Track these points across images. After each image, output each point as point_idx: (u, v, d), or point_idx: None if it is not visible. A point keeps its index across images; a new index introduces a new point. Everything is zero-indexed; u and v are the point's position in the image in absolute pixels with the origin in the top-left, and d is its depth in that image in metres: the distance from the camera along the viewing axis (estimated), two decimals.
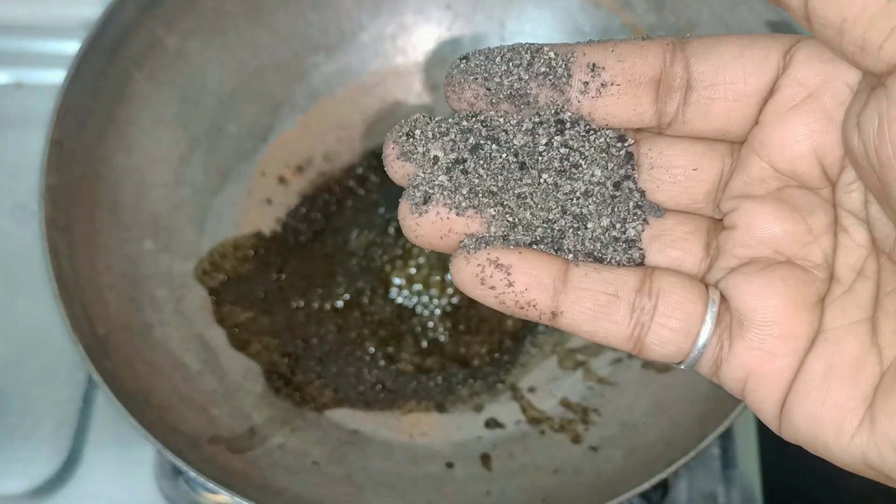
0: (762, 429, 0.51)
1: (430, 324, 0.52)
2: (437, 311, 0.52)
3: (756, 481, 0.49)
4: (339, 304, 0.52)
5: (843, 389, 0.21)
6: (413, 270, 0.52)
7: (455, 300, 0.52)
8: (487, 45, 0.56)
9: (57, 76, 0.45)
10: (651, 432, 0.46)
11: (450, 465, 0.47)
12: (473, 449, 0.48)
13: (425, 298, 0.52)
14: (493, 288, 0.23)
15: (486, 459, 0.47)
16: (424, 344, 0.51)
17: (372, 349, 0.51)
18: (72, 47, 0.46)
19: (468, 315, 0.52)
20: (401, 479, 0.46)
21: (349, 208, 0.54)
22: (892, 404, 0.20)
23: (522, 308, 0.23)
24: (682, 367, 0.24)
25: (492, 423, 0.49)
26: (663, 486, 0.49)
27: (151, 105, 0.51)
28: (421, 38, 0.57)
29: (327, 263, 0.53)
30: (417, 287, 0.52)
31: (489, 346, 0.51)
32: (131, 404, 0.41)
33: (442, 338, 0.51)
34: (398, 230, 0.53)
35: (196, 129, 0.52)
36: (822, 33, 0.20)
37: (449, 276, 0.52)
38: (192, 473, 0.39)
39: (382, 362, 0.51)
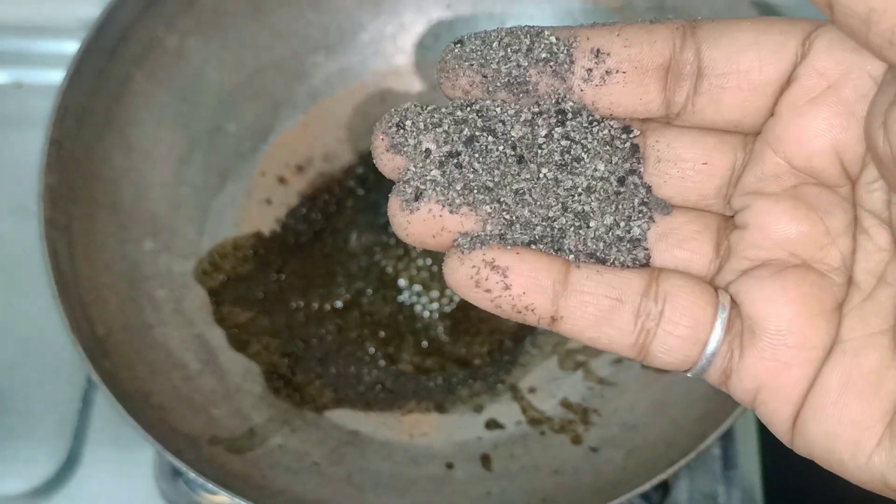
0: (763, 429, 0.51)
1: (431, 324, 0.52)
2: (438, 312, 0.52)
3: (757, 482, 0.49)
4: (339, 304, 0.52)
5: (860, 405, 0.20)
6: (413, 271, 0.53)
7: (455, 300, 0.52)
8: None
9: (56, 76, 0.45)
10: (651, 433, 0.46)
11: (450, 466, 0.47)
12: (473, 449, 0.48)
13: (425, 299, 0.52)
14: (488, 291, 0.21)
15: (486, 460, 0.47)
16: (424, 344, 0.51)
17: (372, 349, 0.51)
18: (71, 47, 0.46)
19: (468, 315, 0.52)
20: (401, 480, 0.46)
21: (349, 208, 0.54)
22: None
23: (520, 312, 0.22)
24: (690, 375, 0.22)
25: (492, 424, 0.49)
26: (664, 487, 0.49)
27: (151, 105, 0.51)
28: (421, 38, 0.57)
29: (327, 264, 0.53)
30: (417, 287, 0.52)
31: (489, 346, 0.51)
32: (131, 405, 0.41)
33: (442, 338, 0.51)
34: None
35: (196, 128, 0.53)
36: (845, 23, 0.18)
37: None
38: (192, 474, 0.39)
39: (382, 363, 0.51)
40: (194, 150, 0.52)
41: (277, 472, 0.45)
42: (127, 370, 0.44)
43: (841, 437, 0.20)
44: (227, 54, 0.53)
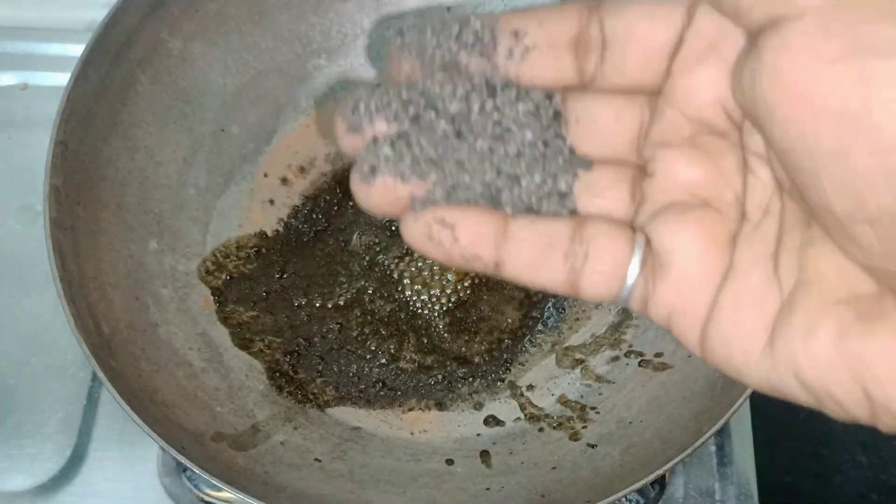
0: (758, 426, 0.51)
1: (431, 322, 0.52)
2: (438, 310, 0.52)
3: (752, 478, 0.50)
4: (341, 303, 0.53)
5: (748, 320, 0.22)
6: (414, 270, 0.53)
7: (455, 299, 0.52)
8: None
9: (62, 78, 0.45)
10: (648, 430, 0.46)
11: (450, 462, 0.48)
12: (473, 446, 0.49)
13: (425, 297, 0.52)
14: (440, 244, 0.24)
15: (485, 456, 0.48)
16: (425, 342, 0.52)
17: (373, 347, 0.51)
18: (76, 50, 0.46)
19: (468, 314, 0.52)
20: (401, 476, 0.47)
21: (351, 209, 0.55)
22: (788, 331, 0.22)
23: (468, 260, 0.24)
24: (615, 304, 0.25)
25: (491, 421, 0.50)
26: (660, 483, 0.50)
27: (155, 107, 0.51)
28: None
29: (329, 263, 0.54)
30: (418, 286, 0.53)
31: (489, 344, 0.52)
32: (135, 402, 0.41)
33: (442, 336, 0.52)
34: (399, 230, 0.54)
35: (199, 130, 0.53)
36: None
37: (450, 276, 0.52)
38: (196, 470, 0.40)
39: (383, 360, 0.51)
40: (198, 152, 0.53)
41: (280, 469, 0.45)
42: (132, 368, 0.44)
43: (735, 347, 0.23)
44: (230, 57, 0.54)
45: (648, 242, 0.24)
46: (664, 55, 0.24)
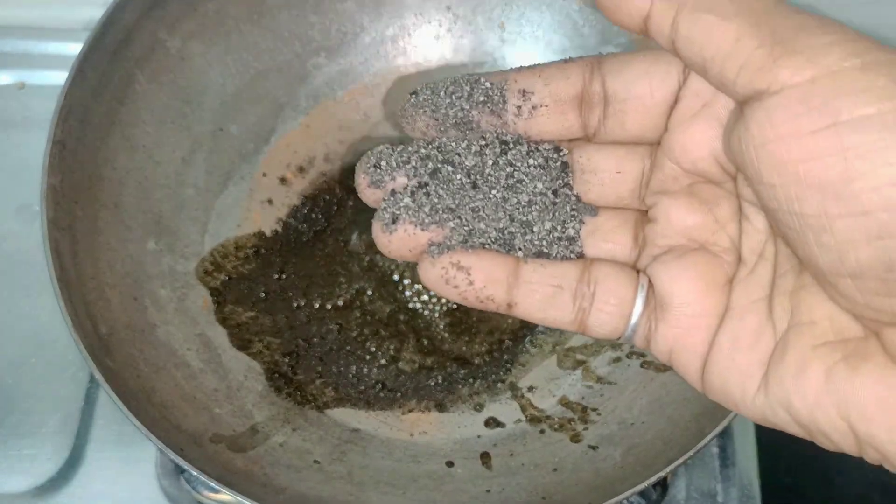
0: (760, 428, 0.51)
1: (431, 323, 0.52)
2: (438, 311, 0.52)
3: (754, 480, 0.50)
4: (340, 303, 0.52)
5: (744, 358, 0.24)
6: (414, 270, 0.53)
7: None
8: (487, 48, 0.57)
9: (59, 77, 0.45)
10: (650, 431, 0.46)
11: (450, 464, 0.48)
12: (473, 447, 0.48)
13: (425, 298, 0.52)
14: (456, 286, 0.26)
15: (485, 458, 0.48)
16: (425, 343, 0.51)
17: (373, 348, 0.51)
18: (74, 48, 0.46)
19: (468, 314, 0.52)
20: (401, 478, 0.47)
21: (350, 209, 0.55)
22: (780, 371, 0.23)
23: (482, 301, 0.26)
24: (620, 341, 0.27)
25: (492, 422, 0.49)
26: (662, 485, 0.49)
27: (154, 106, 0.51)
28: (421, 40, 0.57)
29: (328, 263, 0.53)
30: (418, 287, 0.53)
31: (489, 345, 0.51)
32: (133, 403, 0.41)
33: (442, 337, 0.52)
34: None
35: (198, 130, 0.53)
36: (692, 69, 0.23)
37: None
38: (194, 472, 0.40)
39: (383, 361, 0.51)
40: (197, 152, 0.53)
41: (279, 470, 0.45)
42: (129, 369, 0.44)
43: (733, 384, 0.24)
44: (229, 57, 0.53)
45: (651, 284, 0.26)
46: (662, 111, 0.25)
